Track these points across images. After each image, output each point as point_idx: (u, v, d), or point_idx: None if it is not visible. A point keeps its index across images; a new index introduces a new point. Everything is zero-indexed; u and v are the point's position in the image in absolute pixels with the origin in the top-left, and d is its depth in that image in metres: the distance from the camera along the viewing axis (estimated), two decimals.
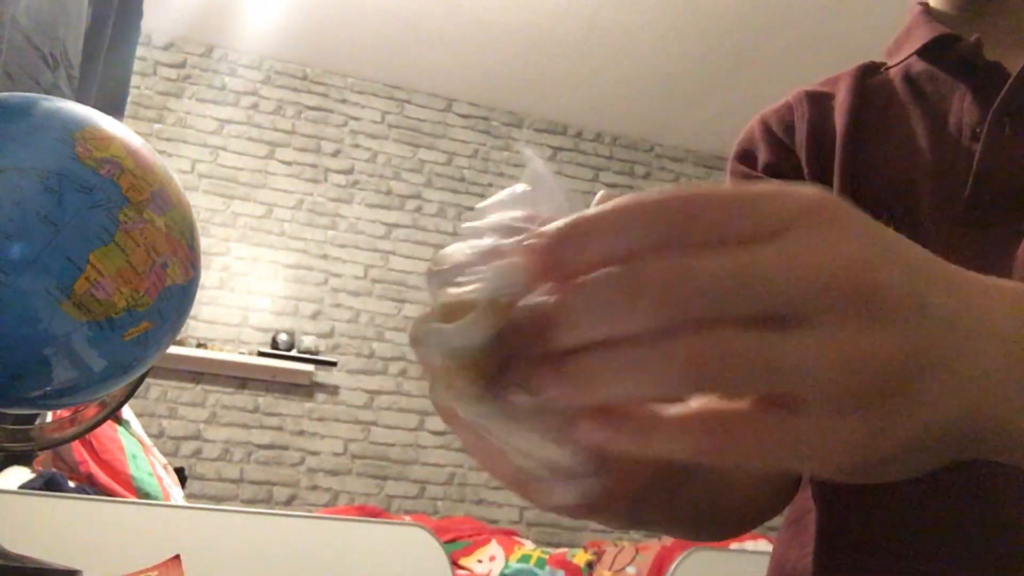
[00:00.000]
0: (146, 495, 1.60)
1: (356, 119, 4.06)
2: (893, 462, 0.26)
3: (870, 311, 0.23)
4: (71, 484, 1.49)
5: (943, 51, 0.62)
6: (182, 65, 3.86)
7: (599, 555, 2.91)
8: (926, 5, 0.67)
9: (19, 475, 1.43)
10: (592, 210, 0.25)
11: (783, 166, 0.67)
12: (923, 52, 0.64)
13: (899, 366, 0.24)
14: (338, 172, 3.97)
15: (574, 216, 0.25)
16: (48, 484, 1.42)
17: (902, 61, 0.66)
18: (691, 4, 3.40)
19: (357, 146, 4.03)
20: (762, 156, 0.68)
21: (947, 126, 0.60)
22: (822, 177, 0.64)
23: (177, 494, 1.78)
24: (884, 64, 0.69)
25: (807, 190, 0.24)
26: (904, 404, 0.24)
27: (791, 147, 0.67)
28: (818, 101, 0.68)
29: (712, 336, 0.23)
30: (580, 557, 2.91)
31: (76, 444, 1.56)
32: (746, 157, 0.70)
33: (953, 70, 0.62)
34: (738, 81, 3.82)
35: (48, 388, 0.61)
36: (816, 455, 0.24)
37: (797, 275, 0.23)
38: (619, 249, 0.24)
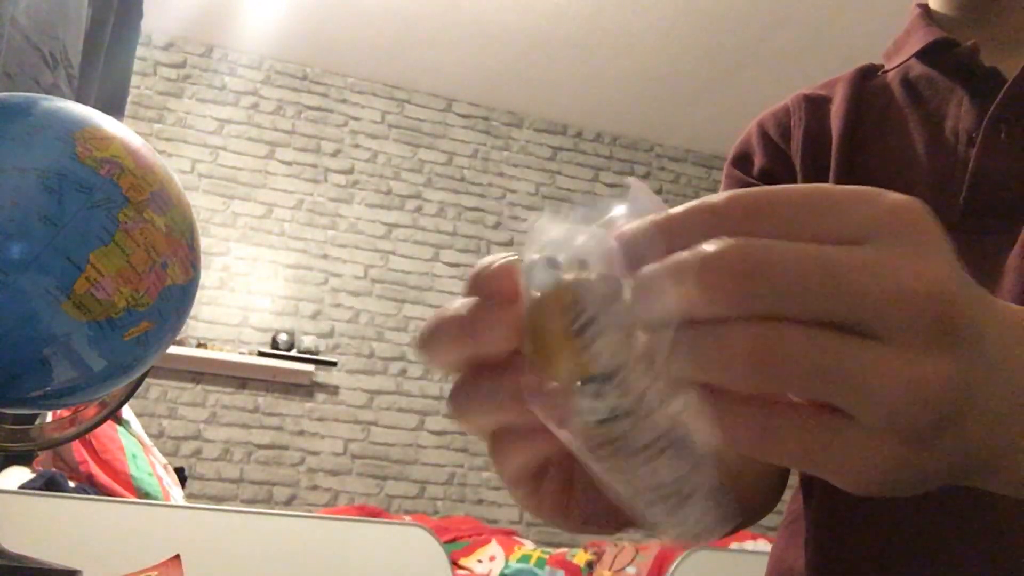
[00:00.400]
0: (146, 495, 1.60)
1: (356, 119, 4.06)
2: (909, 485, 0.26)
3: (944, 339, 0.23)
4: (71, 484, 1.50)
5: (941, 55, 0.62)
6: (182, 65, 3.86)
7: (599, 555, 2.92)
8: (925, 7, 0.67)
9: (19, 475, 1.43)
10: (664, 212, 0.25)
11: (778, 171, 0.66)
12: (921, 55, 0.64)
13: (955, 399, 0.23)
14: (338, 172, 3.97)
15: (649, 217, 0.25)
16: (48, 484, 1.42)
17: (900, 64, 0.66)
18: (691, 4, 3.40)
19: (357, 146, 4.03)
20: (758, 161, 0.68)
21: (944, 131, 0.60)
22: (817, 182, 0.64)
23: (177, 494, 1.78)
24: (882, 67, 0.68)
25: (893, 195, 0.24)
26: (946, 435, 0.24)
27: (787, 152, 0.67)
28: (815, 105, 0.68)
29: (781, 330, 0.22)
30: (580, 557, 2.91)
31: (76, 444, 1.56)
32: (742, 161, 0.70)
33: (951, 74, 0.61)
34: (738, 81, 3.82)
35: (48, 388, 0.61)
36: (848, 469, 0.24)
37: (883, 287, 0.22)
38: (691, 244, 0.23)
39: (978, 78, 0.59)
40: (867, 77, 0.68)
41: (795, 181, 0.65)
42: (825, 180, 0.63)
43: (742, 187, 0.67)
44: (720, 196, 0.24)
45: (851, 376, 0.22)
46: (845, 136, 0.64)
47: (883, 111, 0.64)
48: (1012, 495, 0.29)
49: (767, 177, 0.67)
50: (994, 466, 0.27)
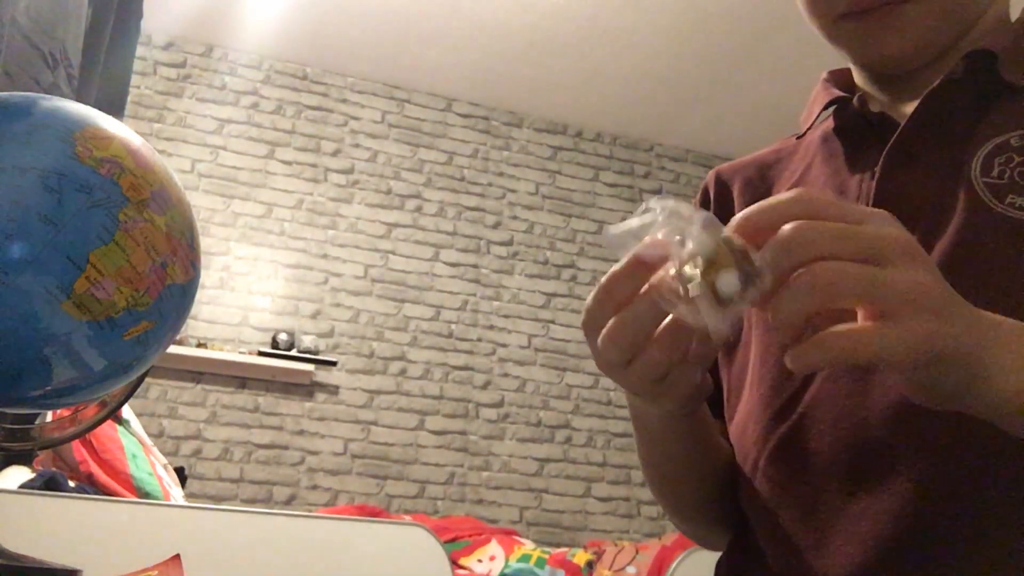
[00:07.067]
0: (146, 495, 1.60)
1: (356, 119, 4.05)
2: (942, 359, 0.40)
3: (918, 260, 0.41)
4: (71, 484, 1.49)
5: (843, 111, 0.71)
6: (182, 65, 3.86)
7: (599, 555, 2.91)
8: (831, 74, 0.77)
9: (19, 475, 1.43)
10: (759, 205, 0.42)
11: None
12: (835, 114, 0.72)
13: (943, 290, 0.41)
14: (338, 172, 3.96)
15: (755, 206, 0.42)
16: (48, 484, 1.42)
17: (810, 127, 0.75)
18: (691, 4, 3.40)
19: (357, 146, 4.03)
20: None
21: (852, 174, 0.67)
22: None
23: (177, 494, 1.78)
24: (799, 134, 0.77)
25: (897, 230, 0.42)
26: (955, 309, 0.41)
27: None
28: (723, 183, 0.79)
29: (842, 265, 0.39)
30: (580, 557, 2.91)
31: (76, 444, 1.56)
32: None
33: (854, 126, 0.70)
34: (738, 81, 3.82)
35: (48, 388, 0.61)
36: (892, 349, 0.39)
37: (887, 240, 0.41)
38: (782, 222, 0.40)
39: (876, 125, 0.67)
40: (782, 149, 0.78)
41: None
42: None
43: None
44: (799, 194, 0.42)
45: (881, 283, 0.39)
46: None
47: (803, 172, 0.73)
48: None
49: None
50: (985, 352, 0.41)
